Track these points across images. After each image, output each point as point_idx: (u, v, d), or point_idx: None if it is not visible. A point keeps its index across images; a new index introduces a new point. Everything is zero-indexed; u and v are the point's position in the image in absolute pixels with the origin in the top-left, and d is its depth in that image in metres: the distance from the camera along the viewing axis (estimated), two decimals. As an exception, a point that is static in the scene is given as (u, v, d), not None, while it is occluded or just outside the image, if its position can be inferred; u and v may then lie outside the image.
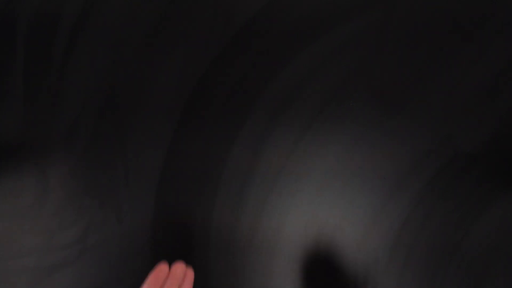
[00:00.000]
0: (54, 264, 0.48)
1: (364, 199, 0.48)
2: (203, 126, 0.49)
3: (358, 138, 0.49)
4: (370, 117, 0.49)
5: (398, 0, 0.50)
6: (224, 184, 0.49)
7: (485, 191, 0.49)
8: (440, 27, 0.49)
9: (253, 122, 0.49)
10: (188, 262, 0.48)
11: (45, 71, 0.50)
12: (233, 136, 0.49)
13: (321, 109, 0.49)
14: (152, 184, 0.49)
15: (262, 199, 0.48)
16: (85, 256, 0.48)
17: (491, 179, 0.49)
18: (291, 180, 0.49)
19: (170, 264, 0.45)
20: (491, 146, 0.49)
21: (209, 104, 0.49)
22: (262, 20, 0.50)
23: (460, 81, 0.49)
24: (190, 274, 0.41)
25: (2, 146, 0.49)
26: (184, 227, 0.46)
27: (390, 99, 0.49)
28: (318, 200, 0.48)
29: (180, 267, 0.40)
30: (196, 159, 0.49)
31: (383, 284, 0.48)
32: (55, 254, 0.48)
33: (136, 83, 0.50)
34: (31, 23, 0.50)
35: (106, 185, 0.49)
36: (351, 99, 0.49)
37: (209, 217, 0.48)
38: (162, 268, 0.40)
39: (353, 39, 0.49)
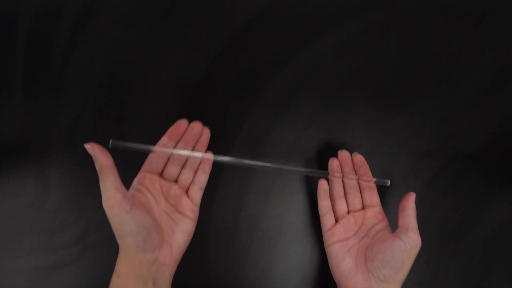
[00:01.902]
0: (54, 264, 0.48)
1: (364, 199, 0.48)
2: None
3: (358, 138, 0.49)
4: (370, 117, 0.49)
5: (398, 0, 0.50)
6: (224, 183, 0.49)
7: (485, 191, 0.49)
8: (440, 27, 0.50)
9: (253, 122, 0.49)
10: (188, 260, 0.48)
11: (45, 71, 0.50)
12: (233, 136, 0.49)
13: (321, 109, 0.49)
14: (152, 184, 0.49)
15: (262, 198, 0.48)
16: (85, 256, 0.48)
17: (491, 179, 0.49)
18: (291, 180, 0.49)
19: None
20: (491, 146, 0.49)
21: (209, 104, 0.49)
22: (262, 20, 0.50)
23: (460, 81, 0.49)
24: (206, 133, 0.44)
25: (2, 146, 0.49)
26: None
27: (390, 99, 0.49)
28: (318, 200, 0.48)
29: (197, 126, 0.44)
30: (196, 159, 0.49)
31: (383, 284, 0.48)
32: (55, 254, 0.48)
33: (136, 83, 0.50)
34: (31, 23, 0.50)
35: (106, 185, 0.49)
36: (351, 99, 0.49)
37: (210, 215, 0.48)
38: (181, 123, 0.43)
39: (353, 39, 0.49)
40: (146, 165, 0.43)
